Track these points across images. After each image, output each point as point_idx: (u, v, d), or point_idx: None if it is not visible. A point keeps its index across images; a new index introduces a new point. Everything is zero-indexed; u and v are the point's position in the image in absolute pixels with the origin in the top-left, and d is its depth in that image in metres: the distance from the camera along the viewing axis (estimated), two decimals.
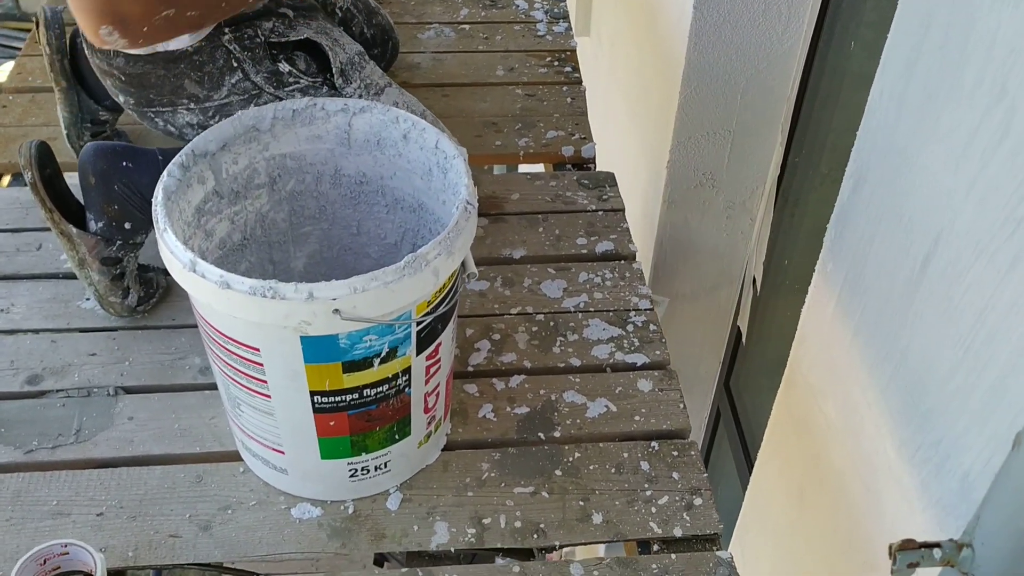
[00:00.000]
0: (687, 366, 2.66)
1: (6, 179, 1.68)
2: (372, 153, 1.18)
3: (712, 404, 2.80)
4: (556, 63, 1.91)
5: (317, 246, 1.26)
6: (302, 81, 1.46)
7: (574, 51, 1.95)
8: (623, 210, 1.59)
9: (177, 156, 1.06)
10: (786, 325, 2.48)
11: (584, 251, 1.49)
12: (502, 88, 1.84)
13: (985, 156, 0.97)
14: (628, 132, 2.46)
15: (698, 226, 2.41)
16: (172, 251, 0.96)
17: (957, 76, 1.02)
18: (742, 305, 2.52)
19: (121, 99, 1.47)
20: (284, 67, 1.44)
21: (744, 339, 2.53)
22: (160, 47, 1.35)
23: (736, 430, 2.58)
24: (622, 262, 1.48)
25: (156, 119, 1.46)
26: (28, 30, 9.00)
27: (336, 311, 0.91)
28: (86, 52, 1.46)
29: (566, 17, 2.04)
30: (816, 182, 2.23)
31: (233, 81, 1.41)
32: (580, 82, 1.88)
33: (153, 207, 1.00)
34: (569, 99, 1.83)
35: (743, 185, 2.29)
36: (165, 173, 1.04)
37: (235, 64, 1.41)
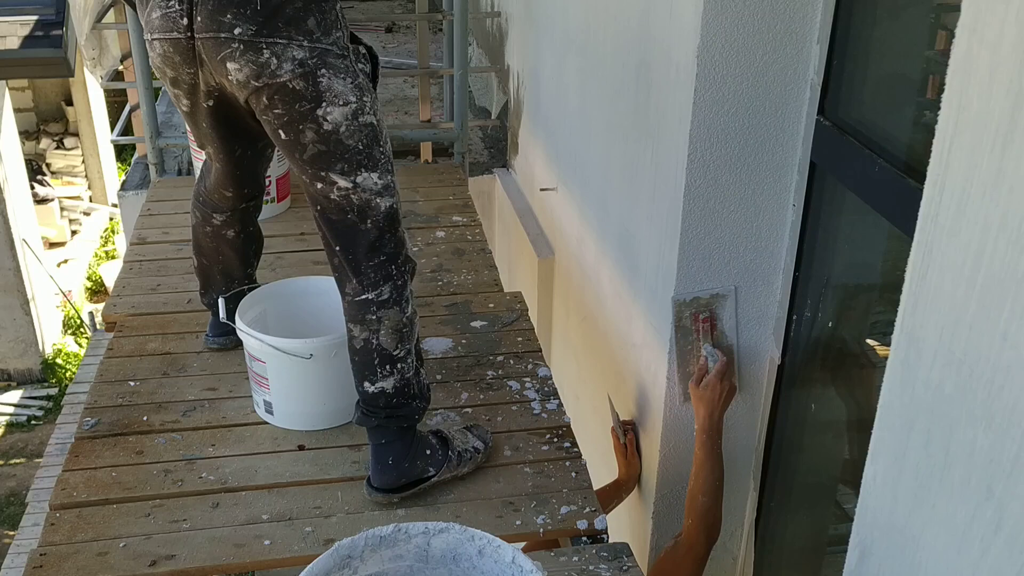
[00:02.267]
0: None
1: None
2: (448, 567, 1.33)
3: None
4: (555, 439, 2.12)
5: None
6: (367, 68, 1.82)
7: (569, 427, 2.18)
8: None
9: None
10: None
11: None
12: (511, 467, 2.03)
13: (984, 544, 1.16)
14: (607, 477, 2.63)
15: None
16: None
17: (944, 474, 1.24)
18: None
19: (238, 30, 1.69)
20: (361, 49, 1.82)
21: None
22: None
23: None
24: None
25: (265, 51, 1.70)
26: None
27: None
28: None
29: (555, 394, 2.28)
30: (790, 522, 2.42)
31: (337, 35, 1.76)
32: (580, 456, 2.08)
33: None
34: (573, 473, 2.02)
35: (724, 529, 2.45)
36: None
37: (340, 23, 1.77)
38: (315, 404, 2.11)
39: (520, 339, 2.49)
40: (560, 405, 2.25)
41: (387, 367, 1.88)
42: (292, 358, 2.04)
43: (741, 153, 1.99)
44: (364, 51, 1.83)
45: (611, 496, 2.48)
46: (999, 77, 1.08)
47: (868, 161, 1.75)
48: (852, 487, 2.24)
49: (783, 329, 2.17)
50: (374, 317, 1.85)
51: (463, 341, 2.48)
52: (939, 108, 1.20)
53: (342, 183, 1.78)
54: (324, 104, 1.73)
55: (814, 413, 2.23)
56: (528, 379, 2.33)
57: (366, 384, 1.90)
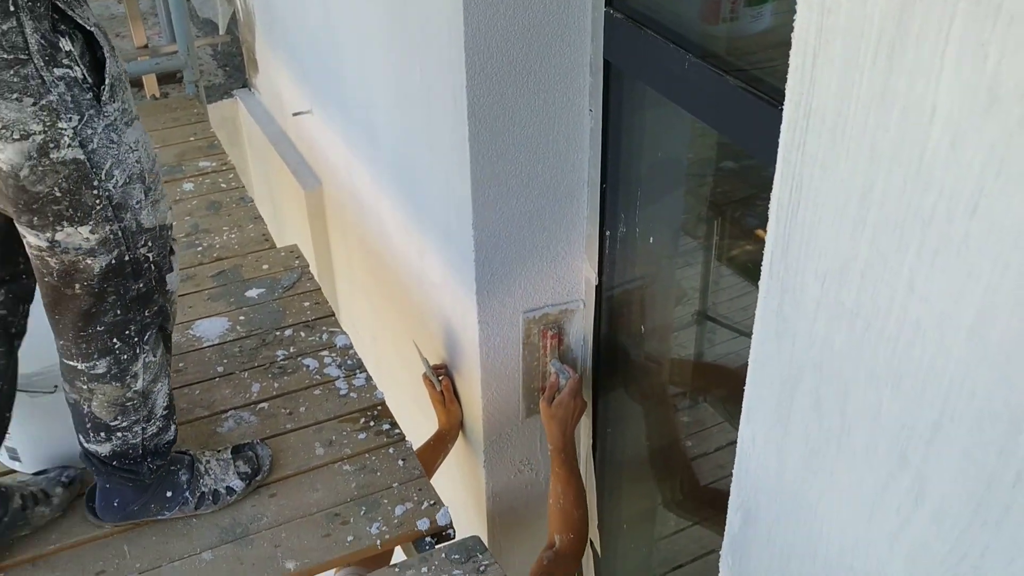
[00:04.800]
0: None
1: None
2: None
3: None
4: (372, 423, 1.84)
5: None
6: (75, 70, 1.24)
7: (383, 403, 1.90)
8: None
9: None
10: None
11: None
12: (329, 469, 1.74)
13: (902, 515, 1.01)
14: (425, 427, 2.41)
15: (524, 512, 2.39)
16: None
17: (843, 439, 1.07)
18: (584, 572, 2.50)
19: None
20: (65, 44, 1.23)
21: None
22: None
23: None
24: None
25: None
26: None
27: None
28: None
29: (361, 366, 1.99)
30: (627, 443, 2.29)
31: (4, 28, 1.17)
32: (403, 438, 1.82)
33: None
34: (400, 461, 1.76)
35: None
36: None
37: (12, 8, 1.16)
38: (75, 441, 1.72)
39: (308, 304, 2.16)
40: (369, 379, 1.96)
41: (102, 434, 1.52)
42: (29, 395, 1.63)
43: (525, 59, 1.72)
44: (70, 47, 1.24)
45: (437, 451, 2.26)
46: None
47: (674, 57, 1.52)
48: (683, 395, 2.13)
49: (596, 247, 1.96)
50: (85, 387, 1.46)
51: (241, 318, 2.12)
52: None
53: (33, 240, 1.31)
54: None
55: (641, 331, 2.06)
56: (326, 352, 2.01)
57: (80, 437, 1.55)
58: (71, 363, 1.43)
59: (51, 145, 1.24)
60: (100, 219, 1.31)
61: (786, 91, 1.00)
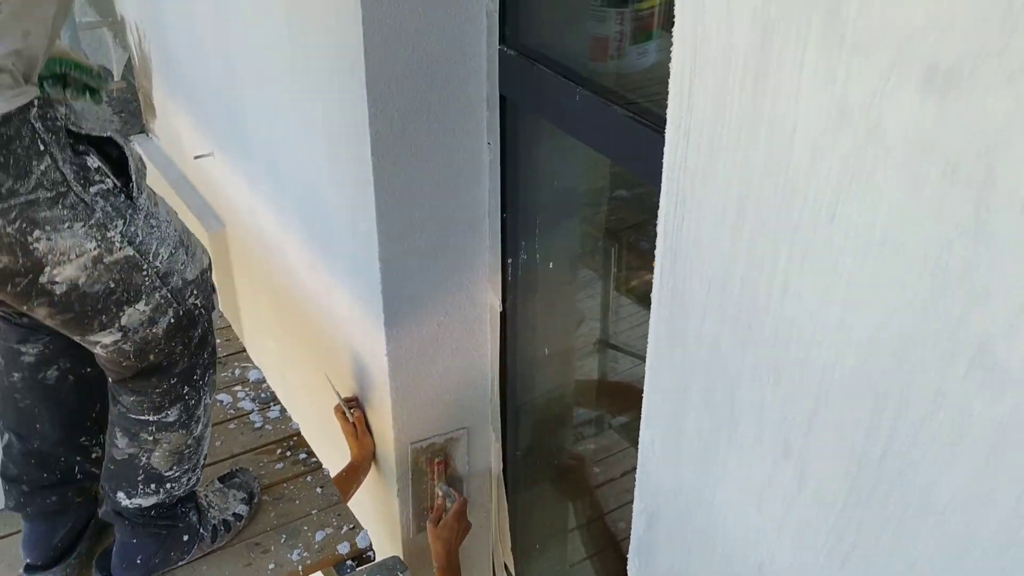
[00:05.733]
0: None
1: None
2: None
3: None
4: (288, 452, 1.87)
5: None
6: (106, 182, 1.28)
7: (299, 434, 1.93)
8: None
9: None
10: None
11: None
12: None
13: (787, 501, 1.10)
14: (337, 462, 2.43)
15: None
16: None
17: (733, 433, 1.16)
18: None
19: None
20: (92, 161, 1.26)
21: None
22: None
23: None
24: None
25: None
26: None
27: None
28: None
29: (275, 399, 2.02)
30: (538, 464, 2.36)
31: (42, 169, 1.18)
32: (320, 466, 1.85)
33: None
34: (318, 489, 1.79)
35: (471, 484, 2.36)
36: None
37: (42, 147, 1.18)
38: None
39: (217, 341, 2.17)
40: (283, 411, 1.99)
41: (152, 486, 1.54)
42: None
43: (425, 96, 1.80)
44: (97, 163, 1.27)
45: (349, 482, 2.29)
46: (741, 2, 0.95)
47: (565, 90, 1.62)
48: (587, 411, 2.21)
49: (499, 275, 2.04)
50: (151, 438, 1.48)
51: None
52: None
53: (106, 340, 1.34)
54: (48, 268, 1.24)
55: (544, 354, 2.14)
56: (239, 387, 2.03)
57: (119, 495, 1.53)
58: (141, 417, 1.45)
59: (105, 254, 1.28)
60: (149, 290, 1.35)
61: (667, 115, 1.10)
